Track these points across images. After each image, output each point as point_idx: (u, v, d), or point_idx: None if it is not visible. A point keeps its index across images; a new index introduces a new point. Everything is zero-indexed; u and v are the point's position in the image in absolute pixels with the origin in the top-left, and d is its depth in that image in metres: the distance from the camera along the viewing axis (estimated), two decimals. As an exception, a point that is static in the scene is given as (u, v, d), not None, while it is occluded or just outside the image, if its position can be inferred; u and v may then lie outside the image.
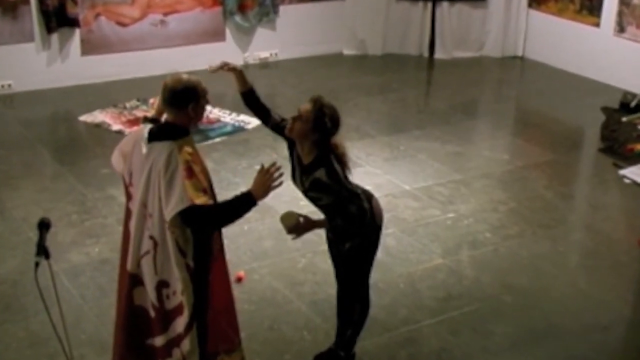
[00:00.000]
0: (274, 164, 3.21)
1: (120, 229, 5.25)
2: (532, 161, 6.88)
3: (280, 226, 5.49)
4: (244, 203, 3.17)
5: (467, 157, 6.96)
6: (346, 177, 3.59)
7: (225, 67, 3.65)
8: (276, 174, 3.19)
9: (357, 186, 3.72)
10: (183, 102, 3.15)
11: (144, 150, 3.19)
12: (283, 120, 3.73)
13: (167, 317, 3.26)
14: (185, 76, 3.20)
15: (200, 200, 3.05)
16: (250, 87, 3.73)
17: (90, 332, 4.34)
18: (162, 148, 3.13)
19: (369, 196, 3.74)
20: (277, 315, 4.54)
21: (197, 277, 3.20)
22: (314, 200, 3.67)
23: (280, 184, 3.22)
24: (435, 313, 4.61)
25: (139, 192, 3.21)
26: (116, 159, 3.41)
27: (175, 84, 3.16)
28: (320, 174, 3.50)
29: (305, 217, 3.62)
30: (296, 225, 3.59)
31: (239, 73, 3.67)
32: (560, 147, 7.23)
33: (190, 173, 3.08)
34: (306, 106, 3.52)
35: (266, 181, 3.20)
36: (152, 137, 3.20)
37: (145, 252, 3.24)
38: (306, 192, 3.63)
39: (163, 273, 3.20)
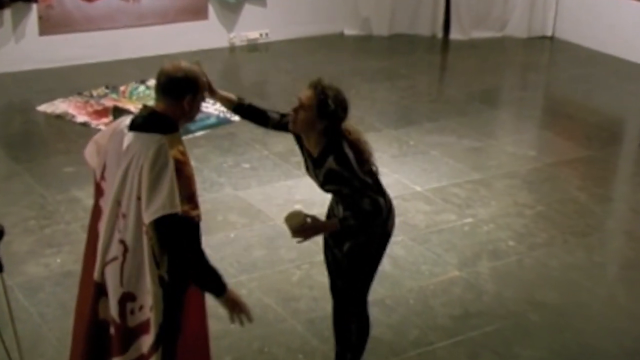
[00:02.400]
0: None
1: (86, 236, 5.31)
2: (563, 158, 6.89)
3: (272, 233, 5.55)
4: (215, 280, 3.20)
5: (488, 154, 6.97)
6: (360, 163, 3.59)
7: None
8: (244, 315, 3.26)
9: (376, 181, 3.71)
10: (180, 92, 3.16)
11: (125, 141, 3.18)
12: (283, 116, 3.79)
13: (128, 335, 3.24)
14: (186, 64, 3.22)
15: (183, 208, 3.06)
16: (237, 102, 3.81)
17: (49, 357, 4.33)
18: (149, 141, 3.12)
19: (389, 199, 3.75)
20: (269, 336, 4.55)
21: (170, 293, 3.20)
22: (334, 193, 3.71)
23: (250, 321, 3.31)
24: (451, 333, 4.62)
25: (113, 188, 3.20)
26: (90, 152, 3.41)
27: (175, 70, 3.17)
28: (330, 162, 3.54)
29: (314, 218, 3.63)
30: (303, 226, 3.59)
31: (212, 92, 3.73)
32: (596, 141, 7.24)
33: (179, 175, 3.08)
34: (306, 92, 3.56)
35: (239, 306, 3.28)
36: (137, 127, 3.20)
37: (113, 258, 3.23)
38: (323, 186, 3.66)
39: (130, 284, 3.19)
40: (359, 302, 3.91)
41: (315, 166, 3.62)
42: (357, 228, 3.62)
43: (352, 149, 3.57)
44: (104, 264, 3.26)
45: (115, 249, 3.22)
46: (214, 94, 3.70)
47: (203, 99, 3.29)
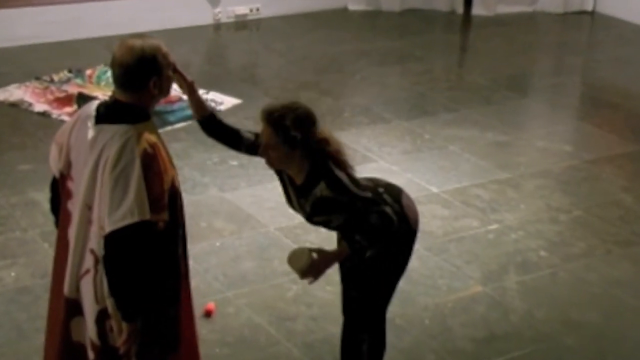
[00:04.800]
0: None
1: (45, 246, 5.33)
2: (604, 154, 6.90)
3: (263, 242, 5.56)
4: (138, 303, 3.19)
5: (516, 149, 6.98)
6: (353, 180, 3.65)
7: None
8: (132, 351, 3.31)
9: (372, 183, 3.76)
10: (141, 80, 3.16)
11: (90, 133, 3.20)
12: (257, 136, 3.80)
13: (111, 356, 3.29)
14: (137, 42, 3.17)
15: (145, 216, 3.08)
16: (210, 112, 3.78)
17: (4, 386, 4.36)
18: (116, 133, 3.14)
19: (396, 192, 3.80)
20: (259, 363, 4.57)
21: (133, 301, 3.24)
22: (323, 225, 3.79)
23: None
24: (472, 359, 4.63)
25: (82, 190, 3.22)
26: (54, 158, 3.41)
27: (126, 56, 3.14)
28: (321, 189, 3.58)
29: (320, 251, 3.69)
30: (311, 265, 3.65)
31: (191, 90, 3.66)
32: (642, 134, 7.27)
33: (147, 172, 3.10)
34: (263, 130, 3.60)
35: (133, 341, 3.28)
36: (101, 118, 3.21)
37: (86, 270, 3.26)
38: (310, 218, 3.73)
39: (106, 299, 3.23)
40: (377, 317, 3.95)
41: (299, 195, 3.66)
42: (371, 247, 3.68)
43: (339, 167, 3.61)
44: (78, 278, 3.28)
45: (87, 260, 3.25)
46: (192, 94, 3.64)
47: (174, 70, 3.27)
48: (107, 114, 3.21)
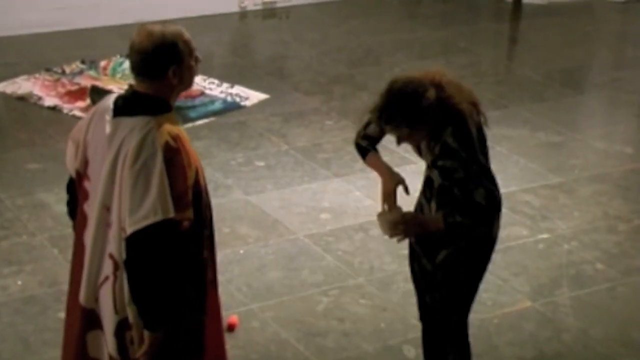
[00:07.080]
0: None
1: (55, 252, 5.36)
2: (668, 157, 6.87)
3: (292, 250, 5.57)
4: (163, 311, 3.21)
5: (570, 150, 6.95)
6: (481, 141, 3.66)
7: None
8: None
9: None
10: (159, 69, 3.20)
11: (108, 127, 3.23)
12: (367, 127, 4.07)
13: None
14: (157, 27, 3.22)
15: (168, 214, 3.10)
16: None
17: (8, 404, 4.39)
18: (136, 125, 3.17)
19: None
20: (286, 382, 4.58)
21: (155, 309, 3.26)
22: (443, 177, 3.73)
23: None
24: (520, 382, 4.63)
25: (99, 189, 3.25)
26: (70, 156, 3.44)
27: (145, 42, 3.19)
28: (447, 134, 3.62)
29: (413, 213, 3.76)
30: (404, 217, 3.70)
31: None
32: None
33: (169, 166, 3.12)
34: (391, 132, 3.74)
35: (155, 350, 3.30)
36: (119, 111, 3.25)
37: (104, 278, 3.29)
38: (435, 162, 3.71)
39: (126, 309, 3.25)
40: (457, 326, 3.95)
41: (431, 137, 3.69)
42: (463, 227, 3.66)
43: (475, 124, 3.63)
44: (97, 287, 3.31)
45: (106, 267, 3.27)
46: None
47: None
48: (125, 106, 3.24)
